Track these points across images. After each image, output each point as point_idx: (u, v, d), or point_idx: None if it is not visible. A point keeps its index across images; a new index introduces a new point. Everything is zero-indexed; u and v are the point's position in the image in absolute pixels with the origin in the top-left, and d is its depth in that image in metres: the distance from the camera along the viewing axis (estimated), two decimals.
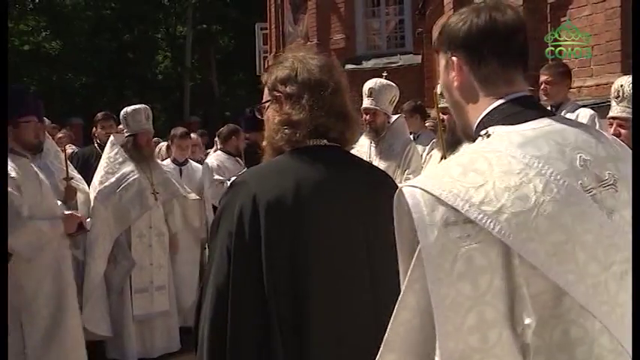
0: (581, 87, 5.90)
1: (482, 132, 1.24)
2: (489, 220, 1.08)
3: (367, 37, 14.30)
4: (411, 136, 5.04)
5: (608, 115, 3.20)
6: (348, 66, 12.16)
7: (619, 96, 3.15)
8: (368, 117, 4.26)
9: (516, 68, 1.29)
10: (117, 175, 4.60)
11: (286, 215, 1.61)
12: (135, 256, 4.68)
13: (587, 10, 5.93)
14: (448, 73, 1.33)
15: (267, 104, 1.81)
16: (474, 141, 1.27)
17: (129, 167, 4.64)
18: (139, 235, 4.70)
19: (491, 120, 1.26)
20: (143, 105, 4.88)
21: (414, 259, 1.12)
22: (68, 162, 4.55)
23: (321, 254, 1.63)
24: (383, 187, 1.81)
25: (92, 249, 4.49)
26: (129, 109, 4.79)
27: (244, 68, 24.57)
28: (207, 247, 5.00)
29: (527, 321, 1.08)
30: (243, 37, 23.68)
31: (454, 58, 1.30)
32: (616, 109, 3.15)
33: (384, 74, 4.55)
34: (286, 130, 1.71)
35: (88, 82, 25.72)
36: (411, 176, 4.05)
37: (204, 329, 1.65)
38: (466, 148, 1.25)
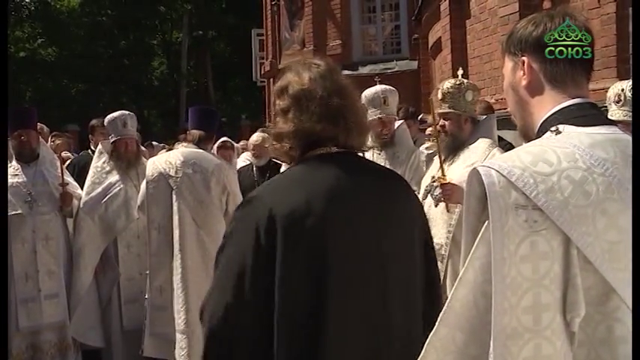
0: None
1: (553, 128, 1.29)
2: (554, 209, 1.15)
3: (363, 43, 14.33)
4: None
5: None
6: (344, 72, 12.15)
7: (620, 100, 3.16)
8: (383, 126, 4.18)
9: (583, 72, 1.35)
10: (103, 186, 4.55)
11: (302, 228, 1.59)
12: (123, 266, 4.59)
13: (583, 16, 5.95)
14: (515, 73, 1.39)
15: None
16: (529, 140, 1.33)
17: (115, 177, 4.58)
18: (127, 246, 4.62)
19: (558, 119, 1.31)
20: (122, 112, 4.80)
21: (478, 237, 1.19)
22: (64, 168, 4.53)
23: (337, 265, 1.61)
24: (397, 189, 1.80)
25: (78, 260, 4.46)
26: (109, 116, 4.73)
27: (240, 74, 24.56)
28: None
29: (578, 310, 1.15)
30: (240, 43, 23.69)
31: (524, 58, 1.36)
32: (617, 114, 3.15)
33: (377, 79, 4.51)
34: (277, 145, 1.74)
35: (84, 88, 25.69)
36: (413, 184, 4.00)
37: (212, 350, 1.61)
38: (535, 141, 1.30)
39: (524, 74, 1.36)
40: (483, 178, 1.19)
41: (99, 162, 4.65)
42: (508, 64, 1.42)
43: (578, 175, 1.18)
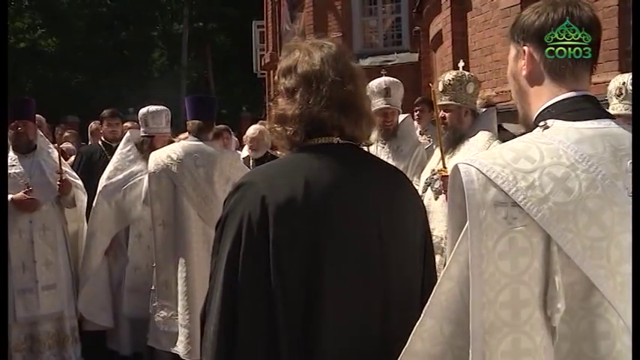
0: None
1: (541, 124, 1.28)
2: (533, 206, 1.15)
3: (364, 35, 14.27)
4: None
5: None
6: None
7: (621, 94, 3.14)
8: (385, 117, 4.16)
9: (585, 65, 1.33)
10: (125, 173, 4.60)
11: (297, 219, 1.52)
12: (133, 256, 4.64)
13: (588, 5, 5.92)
14: (517, 61, 1.38)
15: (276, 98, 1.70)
16: (531, 131, 1.32)
17: (138, 166, 4.61)
18: (138, 235, 4.66)
19: (552, 113, 1.30)
20: (165, 107, 4.79)
21: (462, 233, 1.19)
22: (61, 159, 4.52)
23: (334, 259, 1.55)
24: (398, 185, 1.73)
25: (90, 242, 4.51)
26: (151, 108, 4.70)
27: (241, 66, 24.50)
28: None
29: (557, 305, 1.15)
30: (240, 34, 23.62)
31: (526, 47, 1.35)
32: (618, 107, 3.14)
33: (383, 72, 4.48)
34: (278, 128, 1.62)
35: (84, 79, 25.62)
36: (416, 179, 3.99)
37: (211, 344, 1.55)
38: (522, 137, 1.29)
39: (525, 64, 1.35)
40: (462, 175, 1.19)
41: (124, 149, 4.70)
42: (512, 51, 1.41)
43: (561, 171, 1.18)
